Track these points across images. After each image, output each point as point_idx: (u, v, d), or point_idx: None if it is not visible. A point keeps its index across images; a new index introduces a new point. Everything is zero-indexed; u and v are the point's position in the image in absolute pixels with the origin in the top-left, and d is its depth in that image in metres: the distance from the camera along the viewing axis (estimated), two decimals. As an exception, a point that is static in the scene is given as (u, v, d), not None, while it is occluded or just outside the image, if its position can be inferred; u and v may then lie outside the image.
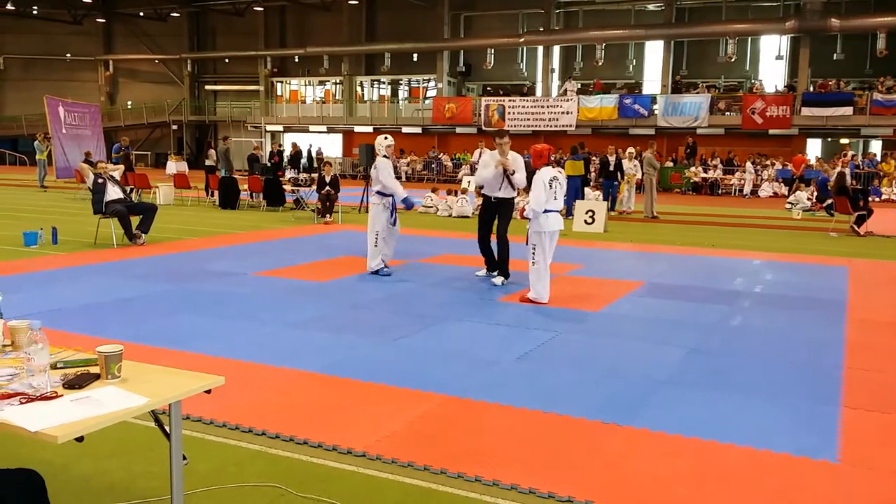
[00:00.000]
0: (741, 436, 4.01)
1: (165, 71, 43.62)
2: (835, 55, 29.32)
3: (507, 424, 4.15)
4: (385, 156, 8.84)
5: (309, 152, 36.08)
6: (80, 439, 2.21)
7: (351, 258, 10.18)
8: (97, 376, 2.58)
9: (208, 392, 2.63)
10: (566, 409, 4.36)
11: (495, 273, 8.72)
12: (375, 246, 8.78)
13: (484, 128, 32.69)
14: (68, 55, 43.30)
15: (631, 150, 19.27)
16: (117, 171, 11.51)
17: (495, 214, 8.66)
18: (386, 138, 8.99)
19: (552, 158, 7.79)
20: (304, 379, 4.87)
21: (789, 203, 20.93)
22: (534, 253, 7.46)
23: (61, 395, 2.41)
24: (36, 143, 24.74)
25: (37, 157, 24.70)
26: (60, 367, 2.66)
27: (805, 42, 28.59)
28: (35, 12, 39.07)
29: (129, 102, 43.97)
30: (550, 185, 7.42)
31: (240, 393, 4.51)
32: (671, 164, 29.05)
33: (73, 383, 2.50)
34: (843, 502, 3.33)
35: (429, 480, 3.44)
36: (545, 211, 7.40)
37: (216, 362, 5.14)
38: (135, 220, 11.24)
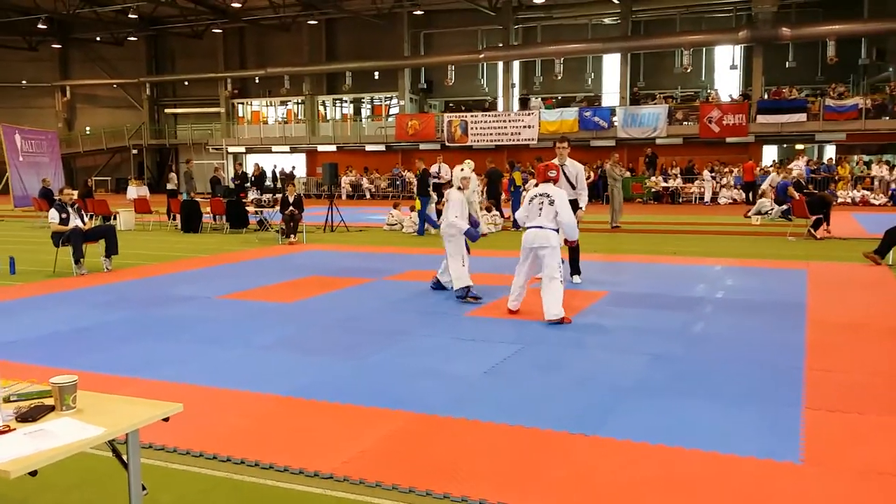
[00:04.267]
0: (706, 441, 4.05)
1: (124, 95, 43.16)
2: (787, 63, 30.07)
3: (475, 439, 4.14)
4: (459, 188, 8.53)
5: (273, 172, 35.99)
6: (33, 473, 2.16)
7: (316, 278, 10.12)
8: (52, 408, 2.53)
9: (166, 420, 2.59)
10: (533, 421, 4.37)
11: (578, 279, 9.48)
12: (463, 266, 8.26)
13: (447, 143, 32.84)
14: (24, 81, 42.66)
15: (469, 162, 16.42)
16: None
17: None
18: (462, 169, 8.67)
19: (551, 175, 7.63)
20: (269, 402, 4.82)
21: (756, 213, 20.54)
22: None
23: (14, 429, 2.36)
24: None
25: None
26: (14, 401, 2.61)
27: (758, 51, 29.26)
28: (-12, 39, 38.49)
29: (88, 128, 43.41)
30: (530, 202, 7.46)
31: (203, 419, 4.44)
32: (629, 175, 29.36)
33: (26, 416, 2.45)
34: (808, 502, 3.38)
35: (397, 500, 3.41)
36: (527, 227, 7.45)
37: (179, 389, 5.06)
38: (94, 248, 11.09)
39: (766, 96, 29.35)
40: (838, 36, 27.59)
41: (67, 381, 2.54)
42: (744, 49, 31.14)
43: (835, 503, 3.37)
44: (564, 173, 8.99)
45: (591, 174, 29.75)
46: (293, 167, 36.76)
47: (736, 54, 31.78)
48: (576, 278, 9.46)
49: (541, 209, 7.32)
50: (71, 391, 2.54)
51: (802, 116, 27.79)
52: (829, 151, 30.38)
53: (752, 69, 29.87)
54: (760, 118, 28.40)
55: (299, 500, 3.44)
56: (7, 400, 2.58)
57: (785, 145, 31.16)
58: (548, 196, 7.36)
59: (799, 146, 30.28)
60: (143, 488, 2.66)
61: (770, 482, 3.55)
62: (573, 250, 9.31)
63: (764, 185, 22.57)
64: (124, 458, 2.62)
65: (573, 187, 9.11)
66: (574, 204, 8.87)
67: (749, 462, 3.77)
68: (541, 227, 7.29)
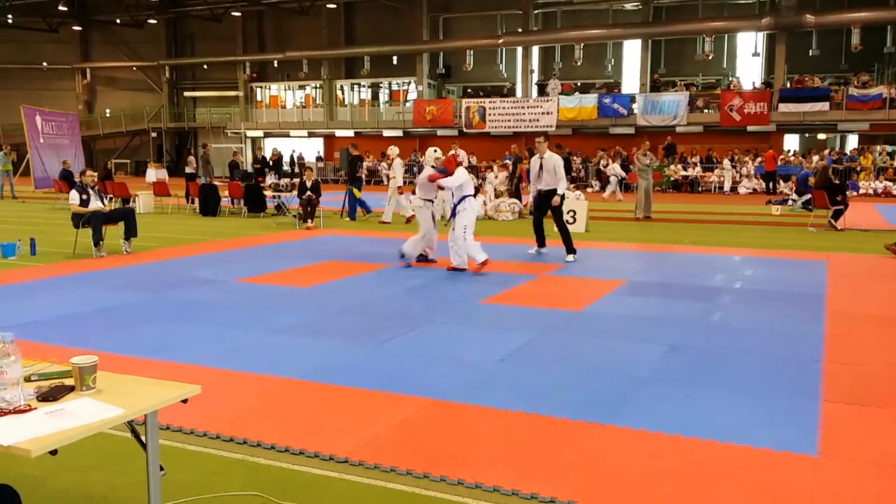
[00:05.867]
0: (722, 432, 4.03)
1: (144, 78, 43.35)
2: (810, 51, 29.66)
3: (490, 426, 4.14)
4: (433, 166, 9.99)
5: (291, 157, 36.21)
6: (53, 452, 2.18)
7: (333, 263, 10.16)
8: (72, 388, 2.55)
9: (184, 401, 2.61)
10: (548, 409, 4.37)
11: (544, 250, 10.87)
12: (420, 236, 9.87)
13: (465, 129, 32.74)
14: (44, 64, 42.93)
15: (394, 148, 17.13)
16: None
17: (544, 204, 10.53)
18: (435, 150, 10.19)
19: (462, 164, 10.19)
20: (285, 385, 4.85)
21: (792, 199, 20.34)
22: (465, 230, 9.31)
23: (35, 409, 2.38)
24: (0, 153, 24.14)
25: (0, 168, 24.09)
26: (34, 380, 2.63)
27: (781, 38, 28.88)
28: (10, 21, 38.67)
29: (108, 110, 43.66)
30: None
31: (221, 401, 4.48)
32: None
33: (47, 396, 2.48)
34: (824, 495, 3.36)
35: (412, 485, 3.43)
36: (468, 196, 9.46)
37: (197, 371, 5.10)
38: (113, 230, 11.19)
39: (788, 84, 28.99)
40: (863, 24, 27.16)
41: (87, 361, 2.56)
42: (766, 36, 30.74)
43: (851, 496, 3.35)
44: (543, 165, 10.35)
45: (610, 161, 29.62)
46: (318, 152, 37.07)
47: (758, 41, 31.38)
48: (570, 257, 10.37)
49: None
50: (91, 372, 2.56)
51: (825, 105, 27.43)
52: (852, 141, 29.99)
53: (774, 57, 29.50)
54: (782, 107, 28.06)
55: (314, 483, 3.47)
56: (28, 380, 2.61)
57: (807, 134, 30.79)
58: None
59: (821, 136, 29.89)
60: (161, 469, 2.69)
61: (786, 474, 3.54)
62: (563, 231, 10.44)
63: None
64: (143, 438, 2.64)
65: (552, 176, 10.33)
66: (552, 192, 10.31)
67: (765, 454, 3.75)
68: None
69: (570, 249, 10.44)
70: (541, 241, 10.94)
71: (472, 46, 33.75)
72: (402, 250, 9.84)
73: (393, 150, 17.15)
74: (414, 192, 10.74)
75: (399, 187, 16.58)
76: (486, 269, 9.29)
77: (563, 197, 10.48)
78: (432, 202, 10.11)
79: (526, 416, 4.29)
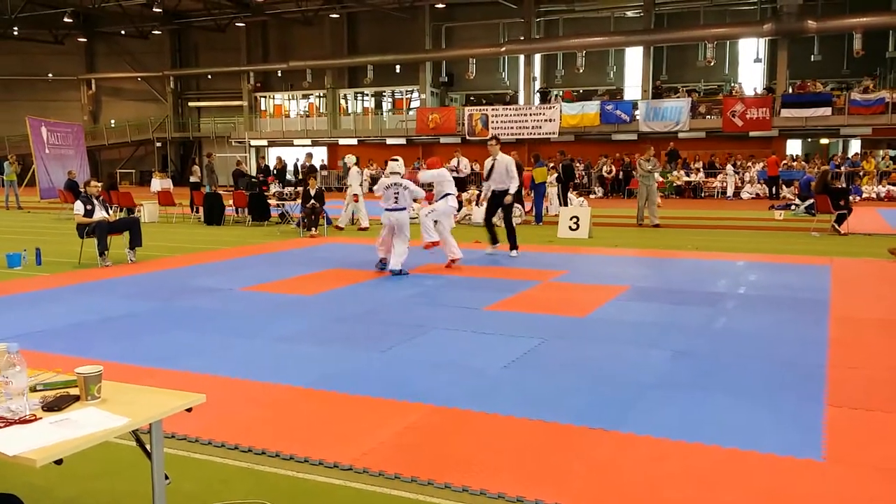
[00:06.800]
0: (726, 437, 4.02)
1: (148, 88, 43.55)
2: (812, 56, 29.66)
3: (494, 433, 4.15)
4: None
5: (295, 166, 36.25)
6: (59, 462, 2.19)
7: (337, 271, 10.17)
8: (77, 398, 2.56)
9: (189, 410, 2.62)
10: (553, 415, 4.37)
11: (496, 245, 11.48)
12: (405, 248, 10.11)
13: (468, 137, 32.80)
14: (50, 75, 43.16)
15: (351, 157, 17.17)
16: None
17: (496, 203, 11.35)
18: (396, 160, 10.54)
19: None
20: (290, 393, 4.86)
21: (795, 204, 20.43)
22: (436, 223, 10.18)
23: (40, 418, 2.39)
24: (6, 163, 24.16)
25: (4, 178, 24.04)
26: (40, 390, 2.65)
27: (783, 44, 28.90)
28: (16, 33, 38.89)
29: (113, 121, 43.85)
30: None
31: (226, 409, 4.49)
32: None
33: (52, 405, 2.49)
34: (828, 500, 3.35)
35: (416, 492, 3.43)
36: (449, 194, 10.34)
37: (202, 379, 5.11)
38: (118, 239, 11.23)
39: (790, 90, 28.99)
40: (865, 29, 27.17)
41: (92, 371, 2.57)
42: (768, 42, 30.76)
43: (856, 501, 3.34)
44: (495, 167, 11.08)
45: (613, 168, 29.64)
46: (322, 161, 37.13)
47: (760, 47, 31.41)
48: (513, 253, 11.11)
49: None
50: (96, 381, 2.57)
51: (827, 110, 27.44)
52: (855, 146, 29.96)
53: (776, 62, 29.53)
54: (784, 112, 28.06)
55: (319, 490, 3.47)
56: (33, 389, 2.62)
57: (809, 139, 30.77)
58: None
59: (823, 140, 29.87)
60: (166, 477, 2.70)
61: (791, 479, 3.53)
62: (509, 228, 11.23)
63: None
64: (148, 447, 2.65)
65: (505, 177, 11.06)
66: (506, 191, 10.98)
67: (769, 459, 3.75)
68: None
69: (514, 246, 11.14)
70: (493, 240, 11.54)
71: (475, 55, 33.85)
72: (398, 267, 9.64)
73: (350, 159, 17.13)
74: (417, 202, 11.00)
75: (355, 195, 16.53)
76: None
77: (514, 195, 11.18)
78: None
79: (531, 422, 4.29)
